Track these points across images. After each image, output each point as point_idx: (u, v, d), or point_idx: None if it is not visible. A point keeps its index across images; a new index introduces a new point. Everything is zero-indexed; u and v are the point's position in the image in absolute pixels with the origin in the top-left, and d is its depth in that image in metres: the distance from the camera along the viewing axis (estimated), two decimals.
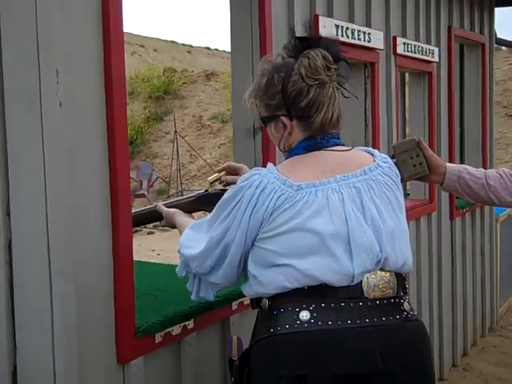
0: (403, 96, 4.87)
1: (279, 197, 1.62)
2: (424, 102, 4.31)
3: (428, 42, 4.21)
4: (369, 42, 3.29)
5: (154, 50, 32.23)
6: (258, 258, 1.67)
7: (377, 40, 3.38)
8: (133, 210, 2.18)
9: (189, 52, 36.48)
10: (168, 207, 2.15)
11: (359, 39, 3.20)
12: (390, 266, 1.67)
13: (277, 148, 1.84)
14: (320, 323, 1.58)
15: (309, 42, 1.70)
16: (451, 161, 4.62)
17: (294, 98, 1.67)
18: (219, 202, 1.73)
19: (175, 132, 14.97)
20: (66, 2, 1.72)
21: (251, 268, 1.69)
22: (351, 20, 3.24)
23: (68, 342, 1.71)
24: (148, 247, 10.06)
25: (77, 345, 1.74)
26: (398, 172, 1.80)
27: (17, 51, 1.68)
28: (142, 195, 14.20)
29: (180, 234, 1.97)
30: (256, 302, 1.72)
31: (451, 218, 4.66)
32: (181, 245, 1.86)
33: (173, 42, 37.72)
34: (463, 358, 4.81)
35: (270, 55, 2.28)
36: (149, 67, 19.71)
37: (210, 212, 1.93)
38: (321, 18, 2.90)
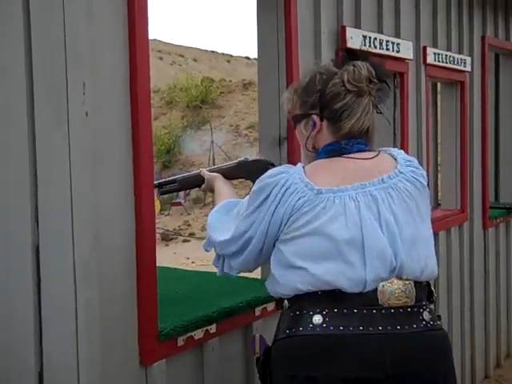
0: (435, 105, 4.85)
1: (299, 198, 1.67)
2: (456, 111, 4.29)
3: (460, 51, 4.19)
4: (398, 52, 3.30)
5: (194, 60, 32.55)
6: (278, 258, 1.74)
7: (406, 50, 3.39)
8: (176, 176, 2.33)
9: (228, 61, 36.73)
10: (211, 172, 2.23)
11: (387, 49, 3.21)
12: (407, 274, 1.68)
13: (302, 157, 1.89)
14: (331, 328, 1.62)
15: (357, 55, 1.77)
16: (484, 174, 4.58)
17: (330, 98, 1.73)
18: (250, 193, 1.78)
19: (212, 141, 15.10)
20: (93, 16, 1.79)
21: (273, 268, 1.76)
22: (380, 30, 3.26)
23: (92, 344, 1.78)
24: (183, 255, 10.15)
25: (100, 347, 1.80)
26: (424, 174, 1.80)
27: (46, 63, 1.76)
28: (179, 203, 14.34)
29: (215, 200, 2.10)
30: (280, 302, 1.78)
31: (484, 228, 4.61)
32: (209, 224, 1.94)
33: (212, 51, 38.05)
34: (496, 370, 4.74)
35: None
36: (186, 77, 19.93)
37: (247, 179, 2.11)
38: (348, 29, 2.92)
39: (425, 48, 3.70)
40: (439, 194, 4.92)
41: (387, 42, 3.19)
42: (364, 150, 1.76)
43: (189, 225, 14.04)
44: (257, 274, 2.31)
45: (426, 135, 3.78)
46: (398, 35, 3.40)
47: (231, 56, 39.06)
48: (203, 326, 2.17)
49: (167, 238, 13.08)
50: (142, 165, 1.94)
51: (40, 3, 1.75)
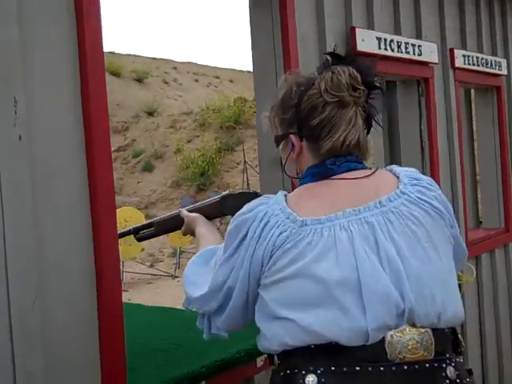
0: (470, 114, 4.44)
1: (280, 234, 1.38)
2: (493, 120, 3.93)
3: (493, 53, 3.82)
4: (419, 55, 2.94)
5: (230, 81, 32.57)
6: (261, 309, 1.44)
7: (429, 53, 3.03)
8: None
9: None
10: (191, 211, 1.93)
11: (407, 52, 2.85)
12: (420, 320, 1.34)
13: None
14: None
15: (341, 59, 1.50)
16: None
17: (306, 113, 1.46)
18: (226, 233, 1.49)
19: (244, 162, 14.88)
20: (26, 18, 1.49)
21: (257, 320, 1.46)
22: (397, 31, 2.92)
23: None
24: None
25: None
26: (438, 196, 1.46)
27: None
28: None
29: (197, 246, 1.80)
30: (271, 358, 1.47)
31: None
32: (184, 278, 1.64)
33: (249, 71, 38.07)
34: None
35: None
36: (218, 97, 19.82)
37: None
38: (358, 31, 2.57)
39: (452, 50, 3.35)
40: (480, 212, 4.50)
41: (406, 44, 2.84)
42: (356, 169, 1.45)
43: None
44: None
45: (459, 148, 3.40)
46: (419, 36, 3.07)
47: None
48: None
49: None
50: (101, 201, 1.64)
51: None
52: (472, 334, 3.52)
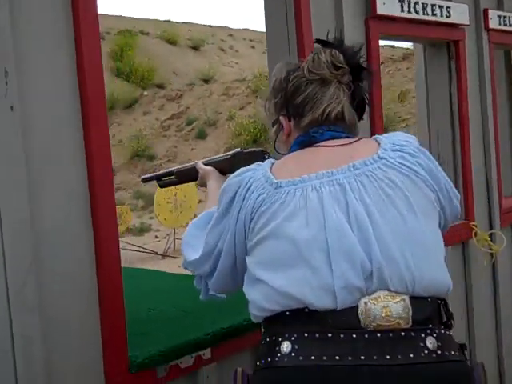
0: (510, 78, 4.26)
1: (258, 196, 1.44)
2: None
3: None
4: (448, 17, 2.83)
5: None
6: (247, 274, 1.49)
7: (459, 14, 2.91)
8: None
9: None
10: (206, 164, 2.02)
11: (434, 14, 2.75)
12: (394, 285, 1.33)
13: None
14: (301, 358, 1.30)
15: (328, 44, 1.56)
16: None
17: (291, 93, 1.55)
18: (219, 194, 1.56)
19: None
20: None
21: (244, 287, 1.49)
22: None
23: None
24: None
25: None
26: (425, 162, 1.45)
27: None
28: None
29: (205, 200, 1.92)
30: (260, 329, 1.50)
31: None
32: (183, 239, 1.70)
33: None
34: None
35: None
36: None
37: None
38: None
39: (486, 11, 3.19)
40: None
41: (433, 5, 2.73)
42: (340, 137, 1.49)
43: None
44: None
45: (492, 112, 3.27)
46: None
47: None
48: (192, 352, 1.86)
49: None
50: (97, 167, 1.65)
51: None
52: (506, 305, 3.44)
